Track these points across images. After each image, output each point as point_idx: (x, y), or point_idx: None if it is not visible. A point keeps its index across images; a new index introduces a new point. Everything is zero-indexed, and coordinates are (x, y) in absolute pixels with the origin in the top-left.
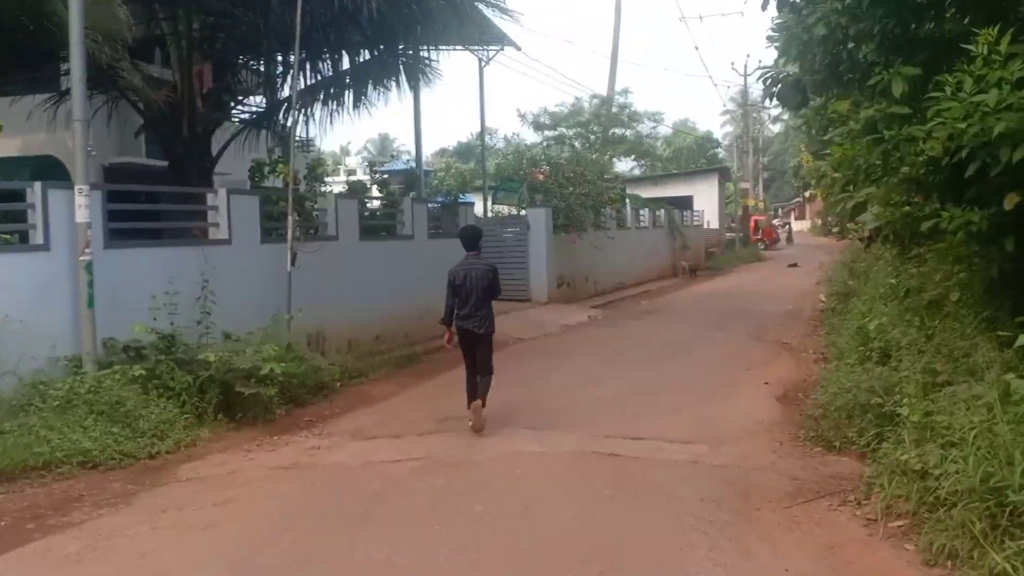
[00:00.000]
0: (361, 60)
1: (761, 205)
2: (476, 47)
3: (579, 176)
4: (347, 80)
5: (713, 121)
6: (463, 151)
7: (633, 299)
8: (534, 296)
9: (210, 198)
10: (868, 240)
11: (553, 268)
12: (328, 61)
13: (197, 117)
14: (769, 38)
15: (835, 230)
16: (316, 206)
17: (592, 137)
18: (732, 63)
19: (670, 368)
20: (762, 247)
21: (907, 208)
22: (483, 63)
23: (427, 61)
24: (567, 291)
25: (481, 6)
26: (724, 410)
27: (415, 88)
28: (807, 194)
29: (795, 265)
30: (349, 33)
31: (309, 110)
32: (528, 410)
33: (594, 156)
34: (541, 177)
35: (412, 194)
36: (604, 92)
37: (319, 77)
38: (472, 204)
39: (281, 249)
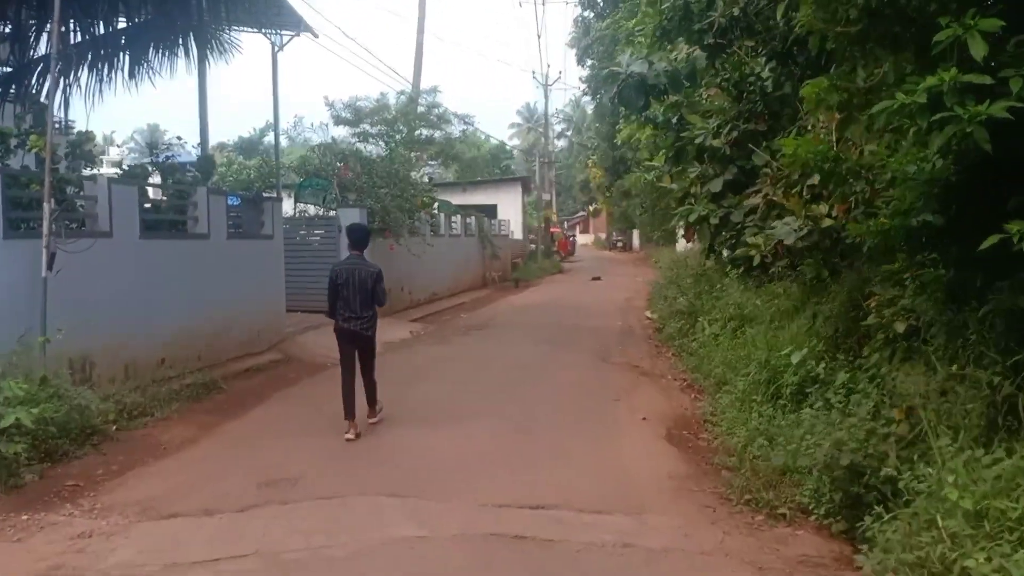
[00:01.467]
0: (142, 19)
1: (554, 217)
2: (269, 30)
3: (393, 175)
4: (123, 40)
5: (502, 133)
6: (246, 146)
7: (452, 311)
8: None
9: None
10: (772, 257)
11: None
12: (100, 17)
13: None
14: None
15: (619, 244)
16: (83, 193)
17: (398, 136)
18: (533, 72)
19: (531, 397)
20: (558, 259)
21: (883, 219)
22: (276, 48)
23: (224, 25)
24: None
25: None
26: (618, 457)
27: (203, 56)
28: (592, 208)
29: (598, 279)
30: None
31: (74, 74)
32: (383, 464)
33: (412, 155)
34: (351, 175)
35: (208, 184)
36: (420, 86)
37: (88, 36)
38: (280, 200)
39: (34, 247)
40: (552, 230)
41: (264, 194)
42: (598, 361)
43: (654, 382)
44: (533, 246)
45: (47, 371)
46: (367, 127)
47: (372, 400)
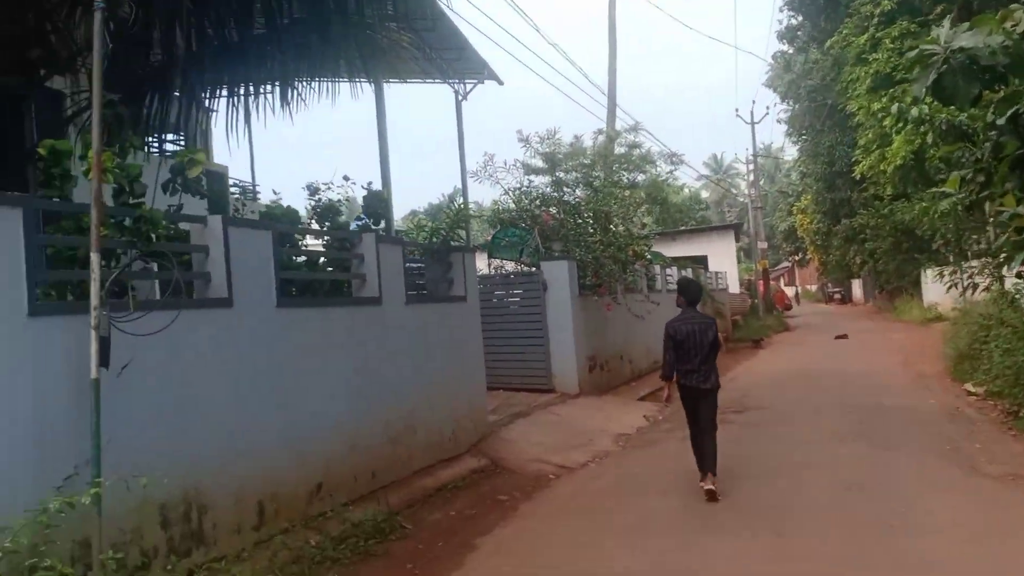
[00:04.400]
0: (288, 20)
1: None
2: (452, 79)
3: (602, 219)
4: (268, 49)
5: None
6: (436, 213)
7: None
8: (559, 385)
9: None
10: None
11: (583, 344)
12: (232, 23)
13: None
14: None
15: (836, 296)
16: (186, 242)
17: (595, 183)
18: (736, 110)
19: (928, 559)
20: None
21: None
22: (460, 97)
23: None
24: (600, 376)
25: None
26: None
27: (374, 67)
28: (797, 258)
29: (844, 336)
30: None
31: (204, 98)
32: None
33: (626, 193)
34: (553, 221)
35: (378, 228)
36: (615, 126)
37: (219, 44)
38: (473, 251)
39: (81, 327)
40: (771, 281)
41: (453, 243)
42: (968, 472)
43: None
44: (750, 300)
45: (104, 546)
46: (561, 175)
47: (713, 463)
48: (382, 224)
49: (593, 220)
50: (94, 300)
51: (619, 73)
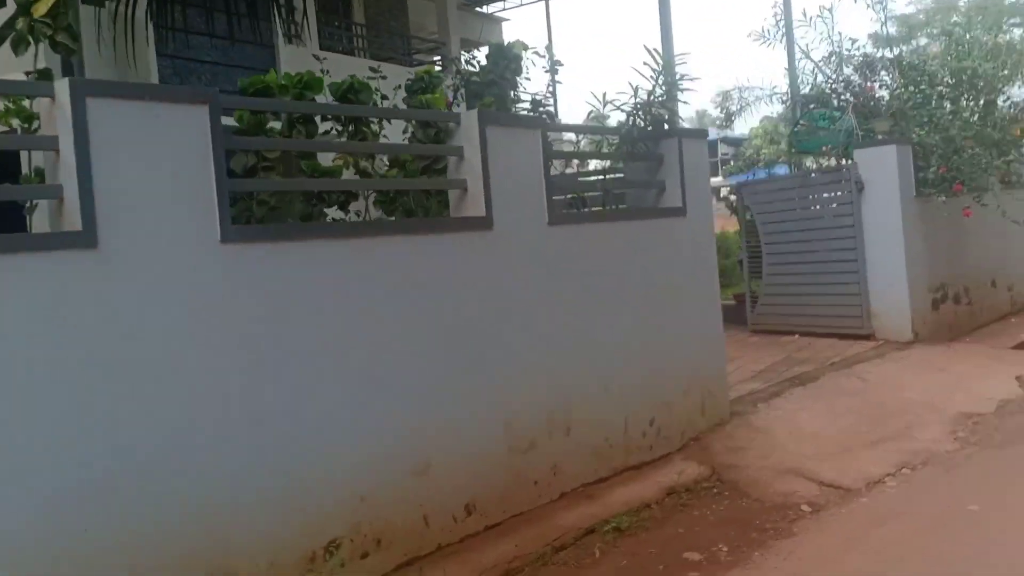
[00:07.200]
0: None
1: None
2: None
3: (969, 87)
4: None
5: None
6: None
7: None
8: (881, 328)
9: None
10: None
11: (921, 267)
12: None
13: None
14: None
15: None
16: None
17: (955, 32)
18: None
19: None
20: None
21: None
22: None
23: None
24: (952, 313)
25: None
26: None
27: None
28: None
29: None
30: None
31: None
32: None
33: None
34: (883, 93)
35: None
36: None
37: None
38: (703, 136)
39: None
40: None
41: (664, 123)
42: None
43: None
44: None
45: None
46: (924, 40)
47: None
48: (519, 99)
49: (951, 87)
50: None
51: None
